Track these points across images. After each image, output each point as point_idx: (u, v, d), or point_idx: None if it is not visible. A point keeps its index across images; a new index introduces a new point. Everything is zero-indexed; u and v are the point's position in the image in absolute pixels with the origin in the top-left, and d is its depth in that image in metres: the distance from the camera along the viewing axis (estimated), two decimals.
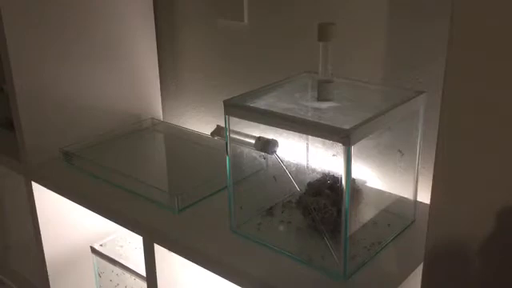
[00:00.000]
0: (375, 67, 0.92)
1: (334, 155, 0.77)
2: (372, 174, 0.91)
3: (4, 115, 1.23)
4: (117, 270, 1.10)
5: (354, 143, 0.67)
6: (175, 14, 1.20)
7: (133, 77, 1.21)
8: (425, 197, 0.86)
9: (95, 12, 1.10)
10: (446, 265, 0.57)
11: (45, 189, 1.07)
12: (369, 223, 0.83)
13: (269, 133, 0.79)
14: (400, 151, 0.82)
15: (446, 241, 0.56)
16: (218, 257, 0.78)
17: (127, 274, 1.08)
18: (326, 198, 0.79)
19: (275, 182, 0.88)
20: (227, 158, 0.80)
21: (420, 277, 0.60)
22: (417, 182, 0.84)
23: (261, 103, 0.79)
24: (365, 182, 0.86)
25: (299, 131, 0.76)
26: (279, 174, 0.84)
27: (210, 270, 0.80)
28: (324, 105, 0.80)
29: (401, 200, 0.88)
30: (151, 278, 0.90)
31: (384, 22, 0.89)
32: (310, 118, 0.76)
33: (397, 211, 0.87)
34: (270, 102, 0.80)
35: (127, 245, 1.15)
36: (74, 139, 1.11)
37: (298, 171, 0.88)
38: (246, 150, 0.83)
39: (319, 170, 0.88)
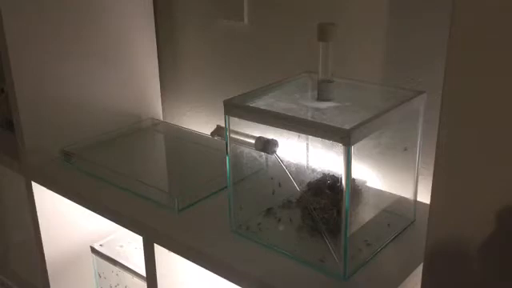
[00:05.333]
0: (375, 67, 0.92)
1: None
2: (372, 174, 0.91)
3: (4, 115, 1.23)
4: (117, 270, 1.10)
5: (354, 143, 0.67)
6: (175, 14, 1.20)
7: (133, 77, 1.21)
8: (425, 197, 0.86)
9: (95, 12, 1.10)
10: (446, 265, 0.57)
11: (45, 189, 1.07)
12: (369, 223, 0.83)
13: (269, 133, 0.79)
14: (406, 149, 0.82)
15: (446, 241, 0.56)
16: (217, 257, 0.78)
17: (127, 274, 1.08)
18: (326, 198, 0.79)
19: (275, 182, 0.88)
20: (227, 157, 0.80)
21: (420, 277, 0.60)
22: (417, 182, 0.84)
23: (261, 103, 0.79)
24: (365, 182, 0.86)
25: (299, 131, 0.75)
26: (279, 174, 0.84)
27: (209, 270, 0.80)
28: (324, 105, 0.80)
29: (401, 200, 0.87)
30: (151, 278, 0.90)
31: (384, 22, 0.89)
32: (309, 118, 0.76)
33: (397, 211, 0.87)
34: (270, 102, 0.80)
35: (127, 245, 1.15)
36: (74, 139, 1.11)
37: (298, 171, 0.88)
38: (246, 150, 0.83)
39: (319, 170, 0.88)
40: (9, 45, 0.99)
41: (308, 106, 0.81)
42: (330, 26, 0.77)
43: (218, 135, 0.89)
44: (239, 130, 0.79)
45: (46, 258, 1.14)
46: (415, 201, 0.85)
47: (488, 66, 0.48)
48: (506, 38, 0.47)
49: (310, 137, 0.87)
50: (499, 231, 0.52)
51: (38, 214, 1.11)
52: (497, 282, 0.54)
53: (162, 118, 1.30)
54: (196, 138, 1.19)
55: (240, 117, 0.78)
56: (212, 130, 0.90)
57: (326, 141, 0.70)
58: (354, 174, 0.72)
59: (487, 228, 0.52)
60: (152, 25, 1.22)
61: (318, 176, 0.86)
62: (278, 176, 0.86)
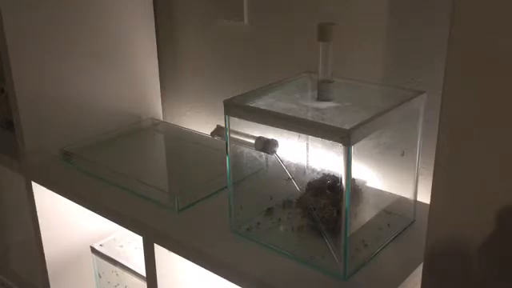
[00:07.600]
0: (375, 67, 0.92)
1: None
2: (372, 174, 0.91)
3: (4, 115, 1.23)
4: (117, 269, 1.10)
5: (354, 143, 0.67)
6: (175, 14, 1.20)
7: (133, 77, 1.21)
8: (425, 197, 0.86)
9: (95, 12, 1.10)
10: (445, 265, 0.57)
11: (45, 189, 1.07)
12: (369, 223, 0.83)
13: (269, 133, 0.79)
14: (403, 154, 0.82)
15: (446, 241, 0.56)
16: (217, 257, 0.78)
17: (127, 274, 1.08)
18: (326, 198, 0.79)
19: (275, 182, 0.88)
20: (227, 157, 0.80)
21: (420, 277, 0.60)
22: (417, 182, 0.84)
23: (261, 103, 0.79)
24: (365, 182, 0.86)
25: (299, 131, 0.76)
26: (279, 174, 0.84)
27: (209, 270, 0.80)
28: (324, 105, 0.80)
29: (401, 200, 0.88)
30: (151, 277, 0.90)
31: (384, 22, 0.89)
32: (310, 118, 0.76)
33: (397, 211, 0.87)
34: (270, 102, 0.80)
35: (127, 245, 1.15)
36: (74, 139, 1.11)
37: (298, 171, 0.88)
38: (246, 149, 0.83)
39: (319, 170, 0.88)
40: (9, 45, 0.99)
41: (308, 105, 0.81)
42: (330, 26, 0.77)
43: (218, 135, 0.89)
44: (239, 130, 0.79)
45: (46, 258, 1.14)
46: (415, 201, 0.85)
47: (488, 66, 0.48)
48: (506, 37, 0.47)
49: (310, 137, 0.87)
50: (499, 231, 0.52)
51: (38, 214, 1.11)
52: (497, 282, 0.54)
53: (162, 118, 1.30)
54: (196, 138, 1.19)
55: (240, 117, 0.78)
56: (212, 130, 0.90)
57: (326, 141, 0.70)
58: (354, 174, 0.72)
59: (487, 228, 0.52)
60: (152, 25, 1.22)
61: (318, 176, 0.86)
62: (278, 176, 0.86)
